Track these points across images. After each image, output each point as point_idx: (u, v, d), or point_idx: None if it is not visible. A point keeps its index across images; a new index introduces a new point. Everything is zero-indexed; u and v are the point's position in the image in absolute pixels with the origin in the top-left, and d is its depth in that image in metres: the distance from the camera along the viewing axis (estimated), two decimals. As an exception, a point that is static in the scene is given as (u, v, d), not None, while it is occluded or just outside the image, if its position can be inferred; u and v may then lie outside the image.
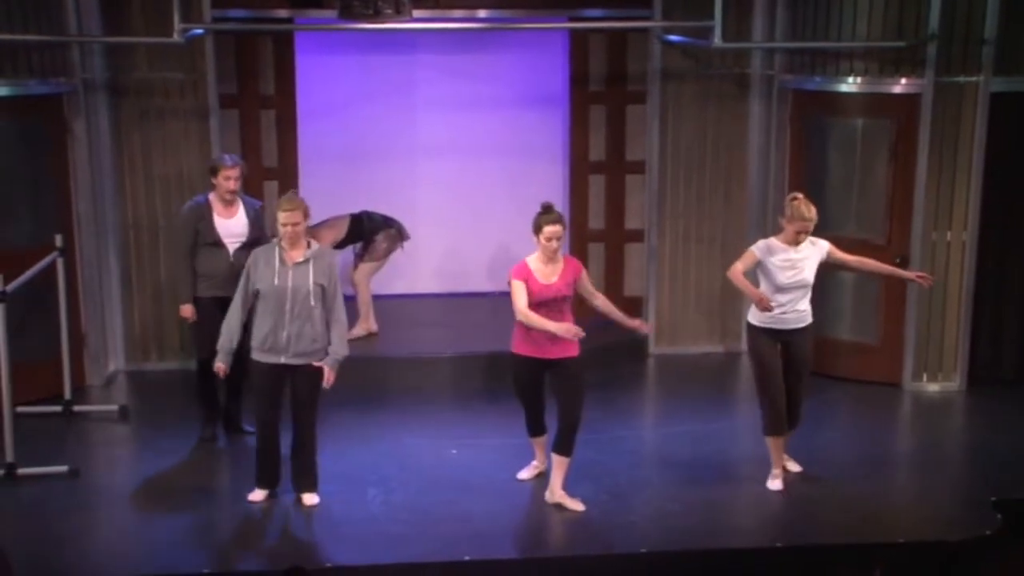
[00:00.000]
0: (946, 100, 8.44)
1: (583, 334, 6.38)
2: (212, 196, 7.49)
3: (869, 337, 8.94)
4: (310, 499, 6.75)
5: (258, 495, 6.78)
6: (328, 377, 6.57)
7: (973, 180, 8.55)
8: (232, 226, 7.45)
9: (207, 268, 7.42)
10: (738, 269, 6.82)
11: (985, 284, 8.78)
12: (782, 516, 6.71)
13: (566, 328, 6.38)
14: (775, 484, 6.94)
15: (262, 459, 6.80)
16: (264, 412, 6.72)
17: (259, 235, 7.49)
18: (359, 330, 9.30)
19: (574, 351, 6.61)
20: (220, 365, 6.64)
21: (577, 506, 6.64)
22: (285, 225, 6.45)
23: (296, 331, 6.51)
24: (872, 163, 8.73)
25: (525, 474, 7.11)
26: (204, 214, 7.42)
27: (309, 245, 6.58)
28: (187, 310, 7.52)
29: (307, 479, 6.78)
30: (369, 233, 9.40)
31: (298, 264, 6.50)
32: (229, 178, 7.39)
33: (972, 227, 8.61)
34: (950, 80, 8.41)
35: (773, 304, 6.73)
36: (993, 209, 8.67)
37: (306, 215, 6.54)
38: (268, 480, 6.81)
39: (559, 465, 6.68)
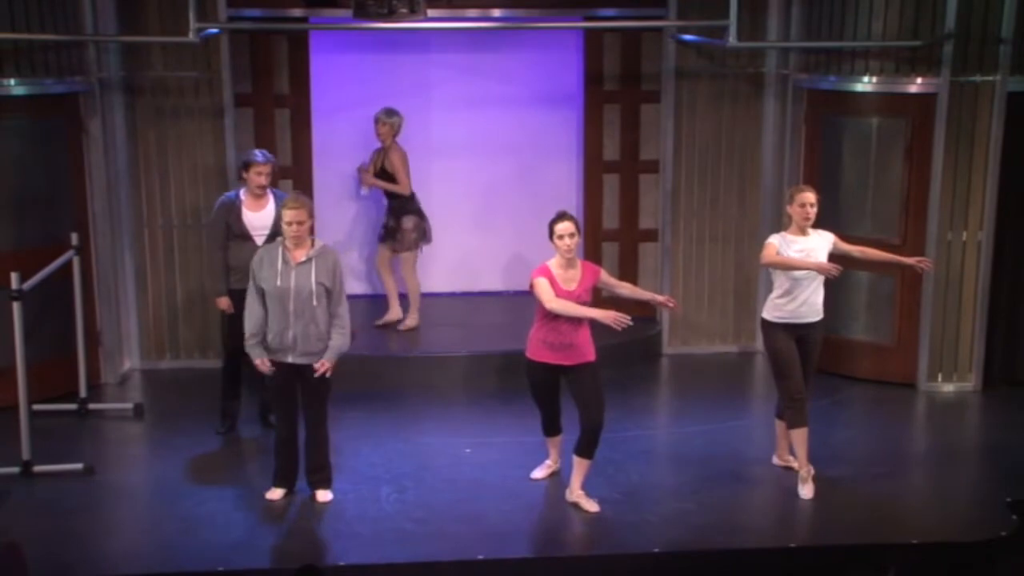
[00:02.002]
0: (962, 99, 8.41)
1: (628, 319, 6.26)
2: (243, 191, 7.61)
3: (884, 337, 8.91)
4: (323, 495, 6.77)
5: (276, 494, 6.80)
6: (322, 365, 6.53)
7: (989, 180, 8.52)
8: (260, 219, 7.54)
9: (236, 261, 7.50)
10: (772, 252, 6.75)
11: (1001, 284, 8.75)
12: (796, 516, 6.70)
13: (606, 315, 6.27)
14: (806, 492, 6.84)
15: (280, 458, 6.83)
16: (281, 411, 6.75)
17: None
18: (411, 320, 9.43)
19: (591, 356, 6.59)
20: (265, 361, 6.54)
21: (592, 507, 6.64)
22: (290, 224, 6.45)
23: (301, 331, 6.52)
24: (887, 163, 8.70)
25: (539, 473, 7.11)
26: (234, 208, 7.54)
27: (312, 244, 6.58)
28: (223, 302, 7.60)
29: (320, 475, 6.81)
30: (401, 210, 9.40)
31: (301, 264, 6.50)
32: (261, 174, 7.52)
33: (988, 227, 8.58)
34: (966, 79, 8.38)
35: (791, 303, 6.77)
36: (1009, 209, 8.64)
37: (311, 214, 6.55)
38: (286, 479, 6.83)
39: (579, 466, 6.69)
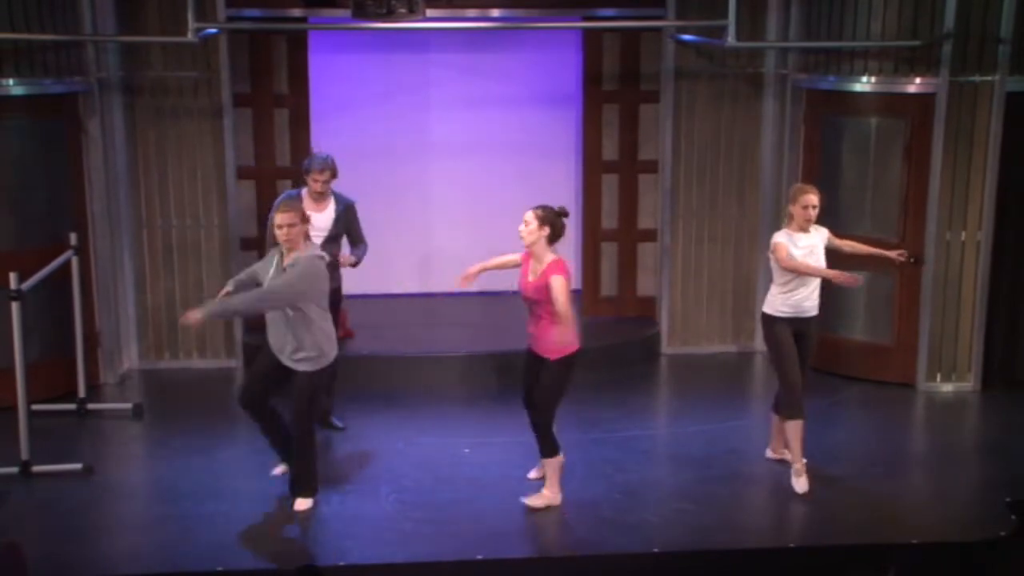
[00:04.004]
0: (961, 99, 8.41)
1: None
2: (304, 191, 7.60)
3: (883, 337, 8.92)
4: (298, 504, 6.67)
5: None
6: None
7: (988, 180, 8.52)
8: (320, 220, 7.52)
9: None
10: (785, 254, 6.76)
11: (1000, 284, 8.75)
12: (795, 516, 6.70)
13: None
14: (801, 485, 6.88)
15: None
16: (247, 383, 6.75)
17: (344, 231, 7.60)
18: None
19: (551, 355, 6.51)
20: (193, 316, 6.27)
21: (536, 502, 6.66)
22: (280, 227, 6.37)
23: (292, 338, 6.44)
24: (886, 163, 8.71)
25: (535, 473, 7.10)
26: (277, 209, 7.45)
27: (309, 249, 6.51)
28: None
29: (297, 485, 6.71)
30: None
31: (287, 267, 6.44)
32: (317, 180, 7.53)
33: (987, 227, 8.58)
34: (965, 79, 8.38)
35: (794, 296, 6.82)
36: (1008, 209, 8.64)
37: (304, 219, 6.48)
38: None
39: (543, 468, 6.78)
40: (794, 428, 6.91)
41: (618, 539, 6.34)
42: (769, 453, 7.32)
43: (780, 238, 6.87)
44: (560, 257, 6.53)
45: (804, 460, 6.94)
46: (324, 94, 9.99)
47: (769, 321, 6.96)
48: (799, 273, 6.81)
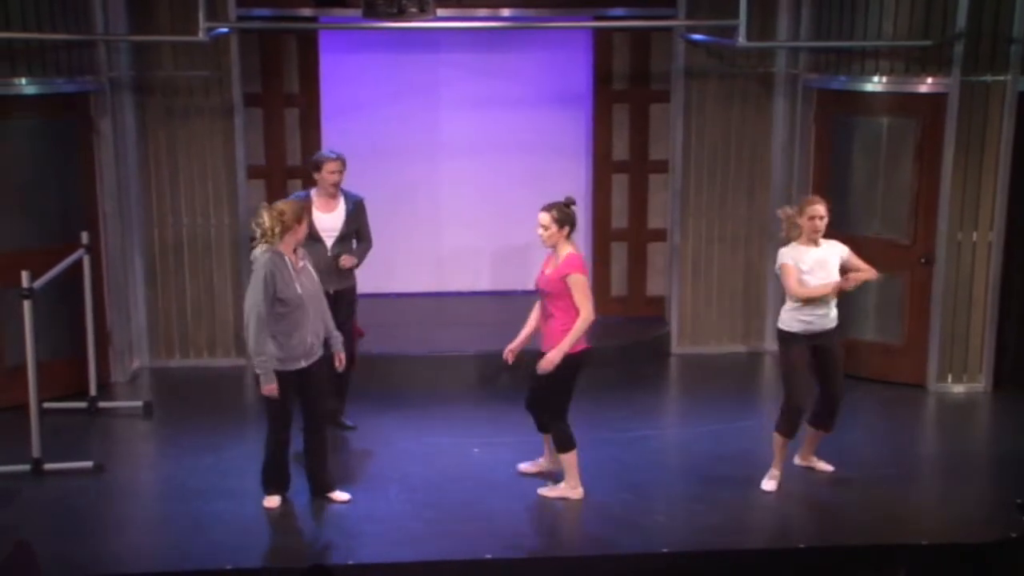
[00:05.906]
0: (972, 99, 8.38)
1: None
2: (314, 191, 7.53)
3: (894, 338, 8.89)
4: (344, 495, 6.73)
5: (274, 501, 6.67)
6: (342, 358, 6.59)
7: (1000, 180, 8.49)
8: (331, 220, 7.47)
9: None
10: (795, 279, 6.67)
11: (1011, 284, 8.72)
12: (805, 516, 6.69)
13: None
14: (770, 485, 6.89)
15: (277, 468, 6.64)
16: (283, 420, 6.51)
17: (356, 228, 7.52)
18: None
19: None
20: (272, 387, 6.34)
21: (549, 492, 6.78)
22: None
23: (317, 334, 6.48)
24: (897, 163, 8.68)
25: (528, 467, 7.14)
26: (306, 209, 7.43)
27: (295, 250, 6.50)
28: None
29: (331, 476, 6.76)
30: None
31: (303, 269, 6.45)
32: (333, 172, 7.43)
33: (998, 227, 8.55)
34: (977, 79, 8.35)
35: (809, 314, 6.71)
36: (1020, 209, 8.60)
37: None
38: (284, 485, 6.71)
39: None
40: (781, 441, 6.90)
41: (627, 539, 6.34)
42: (797, 460, 7.24)
43: (786, 259, 6.74)
44: (575, 251, 6.56)
45: (819, 468, 7.03)
46: (334, 93, 10.00)
47: (785, 338, 6.82)
48: (815, 297, 6.69)
